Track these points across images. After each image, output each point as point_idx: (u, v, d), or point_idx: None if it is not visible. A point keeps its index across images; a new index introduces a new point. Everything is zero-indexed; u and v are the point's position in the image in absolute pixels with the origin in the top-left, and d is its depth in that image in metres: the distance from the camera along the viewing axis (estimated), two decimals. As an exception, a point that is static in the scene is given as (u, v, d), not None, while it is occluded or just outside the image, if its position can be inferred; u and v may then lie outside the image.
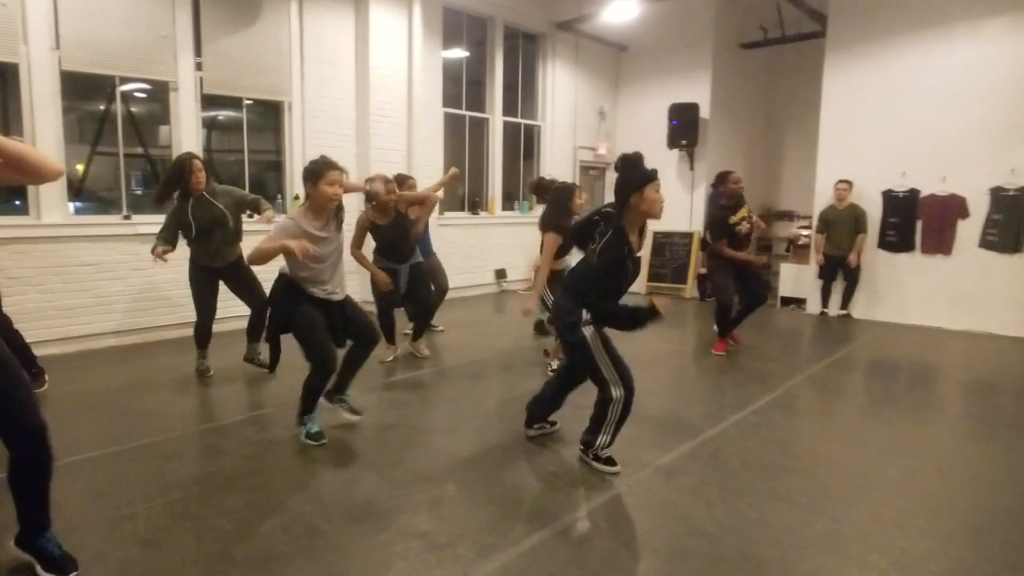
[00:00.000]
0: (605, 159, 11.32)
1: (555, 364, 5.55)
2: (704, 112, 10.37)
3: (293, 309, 3.76)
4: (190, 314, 5.38)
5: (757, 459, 3.83)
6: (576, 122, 10.79)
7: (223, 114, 7.29)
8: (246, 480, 3.43)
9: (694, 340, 7.29)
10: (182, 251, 5.10)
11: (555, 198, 5.35)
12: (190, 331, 5.34)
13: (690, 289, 10.46)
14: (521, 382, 5.33)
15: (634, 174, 3.50)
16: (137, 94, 6.70)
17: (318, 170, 3.64)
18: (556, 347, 5.58)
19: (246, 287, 5.24)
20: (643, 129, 11.06)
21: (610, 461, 3.61)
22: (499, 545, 2.80)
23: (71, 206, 6.27)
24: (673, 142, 10.51)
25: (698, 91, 10.39)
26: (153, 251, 4.82)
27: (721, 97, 10.59)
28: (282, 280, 3.85)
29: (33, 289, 5.85)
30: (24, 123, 5.72)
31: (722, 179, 6.52)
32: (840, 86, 8.66)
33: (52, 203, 5.89)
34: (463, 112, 9.40)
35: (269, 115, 7.54)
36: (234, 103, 7.17)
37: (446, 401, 4.96)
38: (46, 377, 4.99)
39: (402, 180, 6.02)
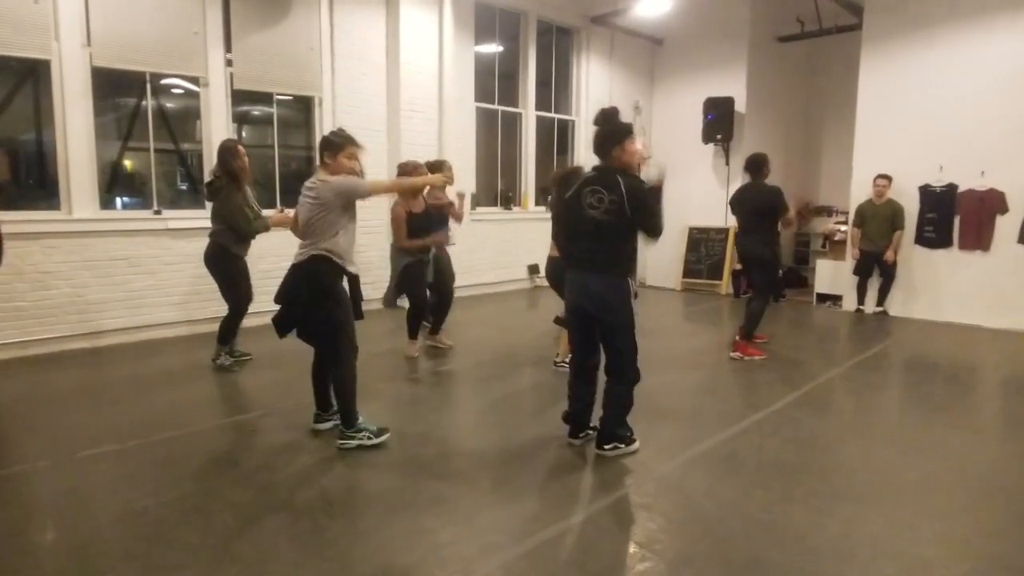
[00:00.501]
0: (640, 154, 11.09)
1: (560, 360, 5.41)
2: (740, 106, 10.10)
3: (342, 294, 3.75)
4: (220, 309, 5.39)
5: (774, 459, 3.70)
6: (610, 117, 10.57)
7: (255, 110, 7.28)
8: (257, 476, 3.40)
9: (726, 337, 7.05)
10: (199, 243, 5.18)
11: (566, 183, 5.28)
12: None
13: (725, 286, 10.21)
14: (541, 379, 5.24)
15: (619, 127, 3.59)
16: (174, 90, 6.73)
17: (340, 144, 3.71)
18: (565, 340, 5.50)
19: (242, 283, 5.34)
20: (679, 123, 10.84)
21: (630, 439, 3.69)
22: (501, 544, 2.73)
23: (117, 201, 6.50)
24: (708, 136, 10.27)
25: (734, 85, 10.13)
26: (271, 222, 5.15)
27: (757, 91, 10.30)
28: (326, 262, 3.66)
29: (64, 283, 5.89)
30: (56, 119, 5.76)
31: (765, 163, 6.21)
32: (876, 79, 8.35)
33: (83, 198, 5.93)
34: (496, 107, 9.27)
35: (300, 110, 7.51)
36: (265, 99, 7.15)
37: (462, 398, 4.93)
38: None
39: (437, 165, 5.96)
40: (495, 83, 9.23)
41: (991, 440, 4.20)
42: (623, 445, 3.67)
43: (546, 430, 4.02)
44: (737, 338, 6.08)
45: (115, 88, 6.30)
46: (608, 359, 3.69)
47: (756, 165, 6.11)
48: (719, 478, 3.43)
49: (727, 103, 10.10)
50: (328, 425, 3.99)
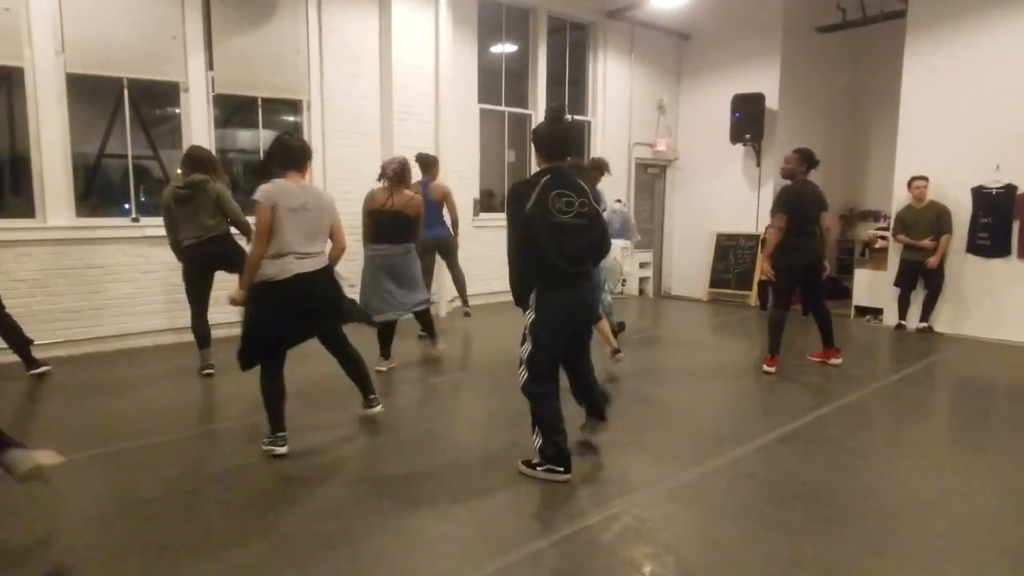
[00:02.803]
0: (665, 156, 10.51)
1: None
2: (771, 102, 9.40)
3: None
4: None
5: (788, 481, 3.39)
6: (631, 117, 10.05)
7: (238, 115, 7.14)
8: (242, 480, 3.35)
9: (757, 351, 6.43)
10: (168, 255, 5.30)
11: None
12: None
13: (754, 297, 9.50)
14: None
15: (574, 132, 3.19)
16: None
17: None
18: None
19: None
20: (707, 123, 10.21)
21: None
22: (492, 552, 2.65)
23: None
24: (737, 136, 9.62)
25: (765, 80, 9.45)
26: None
27: (792, 86, 9.58)
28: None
29: (40, 291, 5.86)
30: (30, 126, 5.74)
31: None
32: (922, 70, 7.52)
33: (59, 206, 5.89)
34: (502, 108, 8.90)
35: (286, 115, 7.34)
36: (249, 103, 7.01)
37: (465, 404, 4.94)
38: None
39: (431, 162, 6.26)
40: (501, 83, 8.86)
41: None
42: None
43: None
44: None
45: (92, 94, 6.25)
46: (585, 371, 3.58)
47: (812, 158, 5.52)
48: (728, 499, 3.19)
49: (756, 100, 9.43)
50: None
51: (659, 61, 10.30)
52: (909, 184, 7.36)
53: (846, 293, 9.84)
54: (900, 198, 7.62)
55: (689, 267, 10.57)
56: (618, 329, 6.71)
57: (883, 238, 8.20)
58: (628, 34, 9.84)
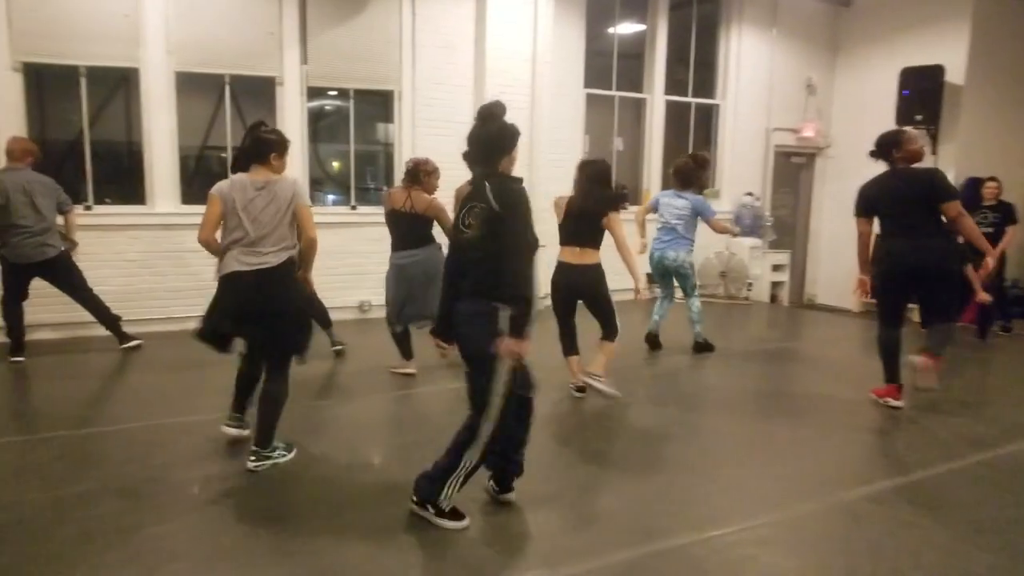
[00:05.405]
0: (814, 143, 9.21)
1: (598, 381, 4.51)
2: (954, 76, 7.82)
3: None
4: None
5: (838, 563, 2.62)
6: (771, 99, 8.92)
7: (329, 106, 7.37)
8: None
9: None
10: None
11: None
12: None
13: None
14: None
15: (510, 130, 2.88)
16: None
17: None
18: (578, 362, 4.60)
19: None
20: (869, 104, 8.78)
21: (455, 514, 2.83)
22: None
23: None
24: (905, 118, 8.12)
25: (947, 50, 7.88)
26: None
27: (984, 57, 7.91)
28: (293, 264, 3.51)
29: (146, 271, 6.47)
30: (143, 123, 6.34)
31: (898, 142, 4.42)
32: None
33: (165, 193, 6.45)
34: (612, 93, 8.31)
35: (379, 105, 7.44)
36: (341, 95, 7.19)
37: None
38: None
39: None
40: (613, 66, 8.26)
41: None
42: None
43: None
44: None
45: (197, 90, 6.75)
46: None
47: (894, 138, 4.48)
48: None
49: (932, 74, 7.91)
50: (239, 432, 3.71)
51: (809, 34, 9.02)
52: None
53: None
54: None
55: (838, 272, 9.18)
56: (703, 346, 5.97)
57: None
58: (770, 5, 8.73)
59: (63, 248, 5.37)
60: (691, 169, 5.91)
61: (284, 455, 3.45)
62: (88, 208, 6.24)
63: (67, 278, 5.44)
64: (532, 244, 2.77)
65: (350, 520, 2.86)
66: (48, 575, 2.44)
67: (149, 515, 2.91)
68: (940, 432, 4.11)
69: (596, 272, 4.46)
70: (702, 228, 6.03)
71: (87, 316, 5.68)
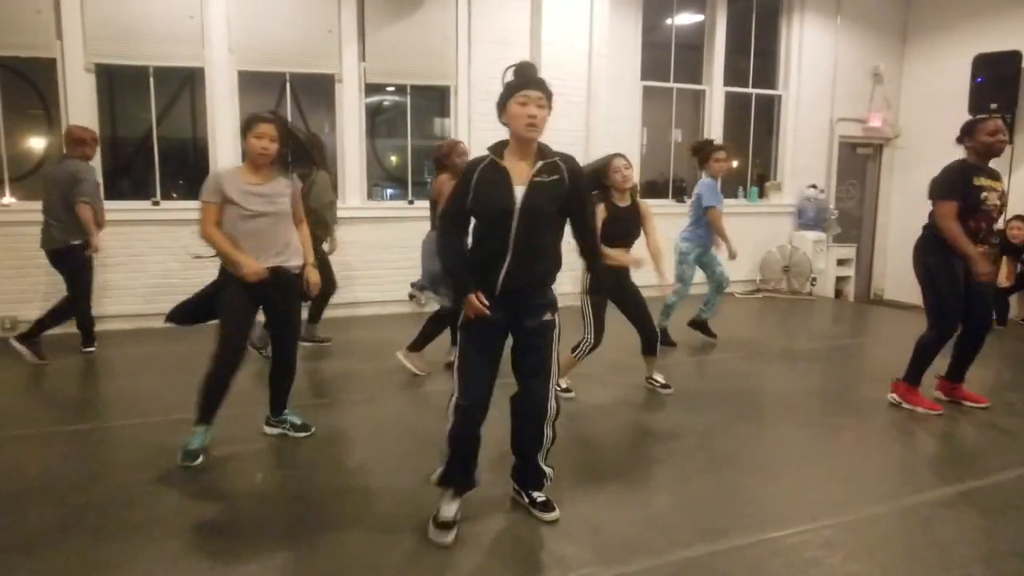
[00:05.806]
0: (881, 133, 8.87)
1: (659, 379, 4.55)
2: (1037, 62, 7.44)
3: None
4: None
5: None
6: (835, 89, 8.62)
7: (387, 101, 7.45)
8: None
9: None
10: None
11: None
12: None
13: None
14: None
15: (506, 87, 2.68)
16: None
17: (247, 123, 3.45)
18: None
19: None
20: (940, 92, 8.41)
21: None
22: None
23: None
24: (978, 106, 7.75)
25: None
26: None
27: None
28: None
29: (213, 265, 6.65)
30: (208, 121, 6.55)
31: (970, 130, 4.30)
32: None
33: (229, 189, 6.64)
34: (670, 85, 8.16)
35: (435, 100, 7.49)
36: (398, 91, 7.26)
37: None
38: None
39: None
40: (671, 58, 8.11)
41: None
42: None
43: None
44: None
45: (259, 88, 6.92)
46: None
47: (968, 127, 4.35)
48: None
49: (1010, 60, 7.54)
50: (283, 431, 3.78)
51: (877, 20, 8.68)
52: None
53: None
54: None
55: (907, 267, 8.79)
56: (664, 341, 5.37)
57: None
58: (836, -9, 8.44)
59: (74, 243, 5.11)
60: (697, 147, 5.69)
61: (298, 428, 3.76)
62: (156, 203, 6.50)
63: (69, 276, 5.24)
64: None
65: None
66: (116, 556, 2.55)
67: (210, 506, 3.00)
68: (1018, 435, 3.91)
69: None
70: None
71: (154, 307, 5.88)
